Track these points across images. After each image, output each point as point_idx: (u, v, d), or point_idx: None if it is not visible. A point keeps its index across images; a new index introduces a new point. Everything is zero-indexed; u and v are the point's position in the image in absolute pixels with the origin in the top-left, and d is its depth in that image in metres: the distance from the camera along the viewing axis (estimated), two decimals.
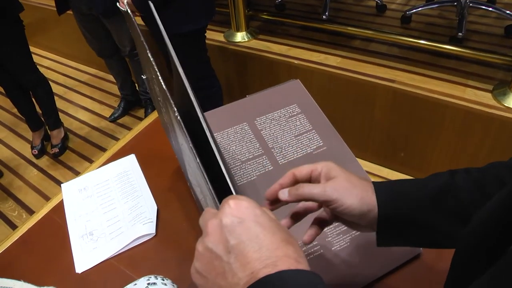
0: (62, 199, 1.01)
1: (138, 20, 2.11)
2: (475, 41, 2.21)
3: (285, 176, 0.56)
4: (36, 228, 0.95)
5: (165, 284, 0.59)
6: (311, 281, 0.37)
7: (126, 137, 1.19)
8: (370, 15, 2.68)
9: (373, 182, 0.54)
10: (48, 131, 2.61)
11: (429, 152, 1.97)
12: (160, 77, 0.54)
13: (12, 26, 2.10)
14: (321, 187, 0.52)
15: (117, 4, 0.74)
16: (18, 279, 0.82)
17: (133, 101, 2.82)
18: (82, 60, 3.44)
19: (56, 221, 0.96)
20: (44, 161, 2.55)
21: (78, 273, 0.83)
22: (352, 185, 0.52)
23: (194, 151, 0.47)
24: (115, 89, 2.97)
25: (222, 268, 0.38)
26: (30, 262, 0.87)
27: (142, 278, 0.60)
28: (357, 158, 0.86)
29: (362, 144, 2.13)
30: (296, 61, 2.16)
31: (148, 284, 0.58)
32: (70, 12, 2.32)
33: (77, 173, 2.39)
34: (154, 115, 1.26)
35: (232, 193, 0.45)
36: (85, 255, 0.86)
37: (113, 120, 2.77)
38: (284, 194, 0.54)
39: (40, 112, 2.54)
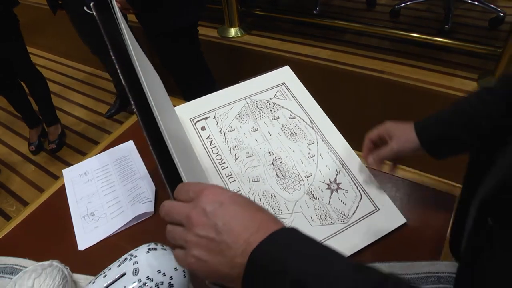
0: (64, 184, 1.05)
1: (131, 17, 2.14)
2: (461, 33, 2.27)
3: (365, 143, 0.86)
4: (38, 211, 1.00)
5: (165, 249, 0.63)
6: (294, 234, 0.43)
7: (124, 125, 1.23)
8: (360, 10, 2.73)
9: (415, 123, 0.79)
10: (45, 127, 2.64)
11: None
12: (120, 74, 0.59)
13: (7, 20, 2.14)
14: (389, 149, 0.80)
15: (85, 8, 0.77)
16: (24, 257, 0.87)
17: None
18: (77, 59, 3.47)
19: (58, 204, 1.00)
20: (41, 157, 2.58)
21: (80, 250, 0.87)
22: (404, 133, 0.79)
23: (148, 140, 0.52)
24: (110, 86, 3.01)
25: (218, 248, 0.43)
26: (34, 243, 0.91)
27: (143, 245, 0.64)
28: None
29: (354, 133, 2.17)
30: (288, 55, 2.21)
31: (149, 249, 0.62)
32: (62, 10, 2.35)
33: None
34: None
35: (182, 180, 0.50)
36: (87, 234, 0.90)
37: (109, 116, 2.81)
38: (370, 161, 0.83)
39: (37, 109, 2.57)
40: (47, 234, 0.93)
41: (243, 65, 2.48)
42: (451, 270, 0.71)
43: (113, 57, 0.59)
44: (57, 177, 2.39)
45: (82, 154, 2.53)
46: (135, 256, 0.61)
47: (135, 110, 0.55)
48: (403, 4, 2.60)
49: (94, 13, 0.68)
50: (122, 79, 0.56)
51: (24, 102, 2.49)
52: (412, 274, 0.71)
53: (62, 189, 1.04)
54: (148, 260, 0.60)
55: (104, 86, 3.15)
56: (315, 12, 2.63)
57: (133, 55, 0.61)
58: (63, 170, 1.09)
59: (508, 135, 0.47)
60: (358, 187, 0.85)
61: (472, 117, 0.72)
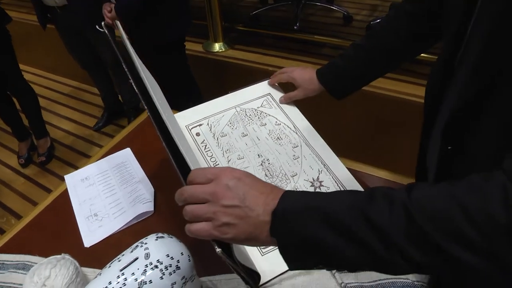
0: (66, 188, 1.13)
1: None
2: (435, 47, 2.42)
3: (272, 80, 1.14)
4: (44, 213, 1.07)
5: (171, 237, 0.72)
6: (302, 193, 0.56)
7: (121, 133, 1.32)
8: (337, 25, 2.88)
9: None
10: (35, 140, 2.69)
11: (396, 147, 2.15)
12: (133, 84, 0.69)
13: (0, 36, 2.21)
14: (295, 94, 1.09)
15: (97, 27, 0.87)
16: (34, 254, 0.94)
17: (116, 110, 2.93)
18: (64, 73, 3.53)
19: (62, 206, 1.08)
20: (30, 170, 2.63)
21: (86, 247, 0.95)
22: (310, 84, 1.06)
23: (162, 141, 0.62)
24: (97, 100, 3.08)
25: (243, 212, 0.54)
26: (41, 241, 0.99)
27: (151, 234, 0.73)
28: None
29: (334, 138, 2.29)
30: (270, 68, 2.33)
31: (157, 237, 0.71)
32: (50, 26, 2.42)
33: (64, 180, 2.48)
34: (144, 115, 1.39)
35: (190, 169, 0.61)
36: (92, 232, 0.99)
37: (97, 129, 2.88)
38: (281, 100, 1.11)
39: (26, 123, 2.62)
40: (54, 233, 1.01)
41: (227, 78, 2.59)
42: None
43: (126, 69, 0.69)
44: (47, 188, 2.44)
45: (72, 166, 2.59)
46: (146, 243, 0.70)
47: (148, 113, 0.64)
48: (378, 20, 2.76)
49: (106, 31, 0.78)
50: (135, 88, 0.66)
51: (14, 115, 2.54)
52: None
53: (65, 193, 1.11)
54: (157, 246, 0.69)
55: (90, 100, 3.22)
56: (295, 27, 2.76)
57: (139, 68, 0.71)
58: (65, 176, 1.17)
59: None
60: (339, 184, 0.96)
61: (372, 49, 0.97)
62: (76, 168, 2.51)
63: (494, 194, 0.45)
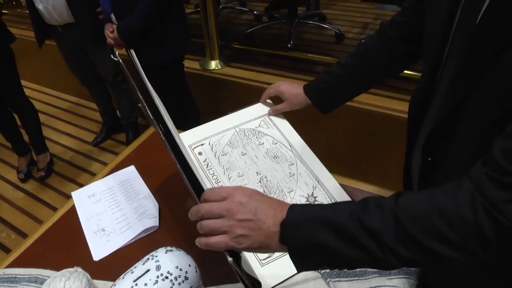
0: (74, 205, 1.19)
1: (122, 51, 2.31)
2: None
3: (263, 96, 1.23)
4: (53, 228, 1.13)
5: (179, 250, 0.79)
6: (306, 206, 0.67)
7: (124, 152, 1.38)
8: (330, 43, 2.98)
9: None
10: (34, 156, 2.74)
11: (386, 161, 2.23)
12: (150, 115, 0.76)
13: (4, 55, 2.28)
14: (281, 107, 1.18)
15: (112, 56, 0.94)
16: (45, 268, 1.00)
17: (115, 126, 2.99)
18: (62, 89, 3.59)
19: (70, 222, 1.14)
20: (30, 185, 2.67)
21: (95, 261, 1.01)
22: (296, 98, 1.14)
23: (178, 165, 0.69)
24: (96, 115, 3.14)
25: (256, 224, 0.63)
26: (52, 256, 1.04)
27: (161, 248, 0.80)
28: None
29: (324, 160, 2.38)
30: (265, 86, 2.40)
31: (167, 250, 0.78)
32: (49, 42, 2.49)
33: (64, 194, 2.54)
34: (146, 134, 1.46)
35: (203, 188, 0.69)
36: (100, 246, 1.05)
37: (96, 144, 2.93)
38: (269, 112, 1.20)
39: (25, 137, 2.67)
40: (63, 247, 1.06)
41: (224, 95, 2.67)
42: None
43: (141, 98, 0.75)
44: (47, 203, 2.49)
45: (71, 181, 2.64)
46: (156, 256, 0.76)
47: (163, 139, 0.71)
48: None
49: (120, 60, 0.85)
50: (150, 115, 0.73)
51: (15, 131, 2.60)
52: None
53: (73, 209, 1.17)
54: (167, 258, 0.75)
55: (89, 115, 3.28)
56: (288, 45, 2.86)
57: (154, 95, 0.78)
58: (72, 193, 1.23)
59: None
60: (332, 199, 1.03)
61: (356, 68, 1.05)
62: (76, 183, 2.58)
63: (464, 198, 0.56)
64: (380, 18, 3.30)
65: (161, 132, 0.73)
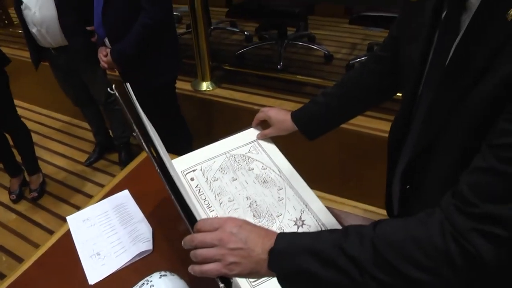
0: (69, 229, 1.22)
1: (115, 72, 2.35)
2: None
3: (254, 121, 1.26)
4: (48, 253, 1.16)
5: (173, 275, 0.83)
6: (292, 234, 0.70)
7: (118, 176, 1.42)
8: (319, 64, 3.06)
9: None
10: (27, 176, 2.75)
11: (373, 181, 2.29)
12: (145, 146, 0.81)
13: None
14: (269, 132, 1.21)
15: (108, 89, 0.99)
16: None
17: (108, 146, 3.02)
18: (54, 108, 3.61)
19: (66, 246, 1.17)
20: (22, 206, 2.67)
21: (91, 285, 1.05)
22: (283, 123, 1.17)
23: (173, 196, 0.74)
24: (89, 135, 3.17)
25: (246, 252, 0.68)
26: (48, 280, 1.07)
27: (155, 273, 0.84)
28: (312, 189, 1.15)
29: (314, 177, 2.43)
30: (256, 107, 2.46)
31: (161, 275, 0.82)
32: (42, 62, 2.53)
33: (57, 215, 2.55)
34: (140, 158, 1.50)
35: (196, 220, 0.74)
36: (95, 270, 1.08)
37: (89, 164, 2.95)
38: (258, 137, 1.25)
39: (18, 158, 2.69)
40: (59, 272, 1.10)
41: (215, 116, 2.72)
42: None
43: (137, 131, 0.80)
44: (39, 224, 2.50)
45: (64, 201, 2.65)
46: (151, 281, 0.80)
47: (158, 171, 0.76)
48: (358, 59, 2.94)
49: (116, 94, 0.89)
50: (146, 148, 0.77)
51: (7, 152, 2.61)
52: None
53: (68, 233, 1.21)
54: (162, 283, 0.80)
55: (81, 135, 3.30)
56: (278, 67, 2.93)
57: (148, 128, 0.83)
58: (67, 218, 1.26)
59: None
60: (319, 223, 1.08)
61: (341, 97, 1.10)
62: (69, 203, 2.59)
63: (435, 227, 0.61)
64: (368, 39, 3.39)
65: (156, 164, 0.78)
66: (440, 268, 0.60)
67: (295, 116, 1.17)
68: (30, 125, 2.85)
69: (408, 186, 0.87)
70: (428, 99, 0.76)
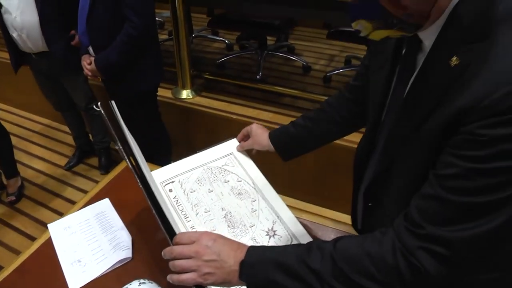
0: (50, 236, 1.26)
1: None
2: None
3: (239, 135, 1.32)
4: (30, 260, 1.20)
5: (151, 283, 0.89)
6: (261, 248, 0.79)
7: (99, 184, 1.47)
8: (297, 75, 3.15)
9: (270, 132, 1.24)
10: (4, 180, 2.76)
11: (346, 189, 2.38)
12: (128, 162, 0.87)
13: None
14: (246, 144, 1.28)
15: (94, 106, 1.04)
16: None
17: (88, 150, 3.05)
18: (35, 111, 3.61)
19: (47, 253, 1.21)
20: None
21: None
22: (260, 137, 1.24)
23: (154, 211, 0.81)
24: (69, 139, 3.18)
25: (219, 264, 0.76)
26: (30, 286, 1.12)
27: (134, 280, 0.90)
28: (287, 197, 1.23)
29: (292, 185, 2.52)
30: (234, 116, 2.54)
31: (140, 283, 0.88)
32: (24, 66, 2.55)
33: (36, 220, 2.56)
34: (120, 167, 1.55)
35: (175, 233, 0.81)
36: (76, 277, 1.13)
37: (68, 168, 2.97)
38: (238, 148, 1.32)
39: None
40: (40, 279, 1.14)
41: (194, 124, 2.78)
42: None
43: (120, 146, 0.86)
44: (17, 229, 2.51)
45: (43, 205, 2.66)
46: None
47: (141, 187, 0.82)
48: (335, 72, 3.04)
49: (102, 111, 0.95)
50: (129, 164, 0.84)
51: None
52: None
53: (49, 240, 1.25)
54: None
55: (61, 139, 3.31)
56: (257, 77, 3.01)
57: (132, 145, 0.89)
58: (48, 225, 1.30)
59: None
60: (289, 233, 1.15)
61: (319, 121, 1.18)
62: (48, 208, 2.61)
63: (387, 245, 0.70)
64: (345, 51, 3.50)
65: (138, 180, 0.84)
66: (391, 280, 0.69)
67: (272, 134, 1.24)
68: (8, 127, 2.85)
69: (370, 204, 0.95)
70: (390, 126, 0.85)
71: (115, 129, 0.95)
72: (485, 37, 0.62)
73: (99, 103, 0.97)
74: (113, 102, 0.99)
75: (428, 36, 0.72)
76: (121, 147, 0.89)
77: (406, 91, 0.80)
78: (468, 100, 0.62)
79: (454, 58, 0.65)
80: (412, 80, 0.78)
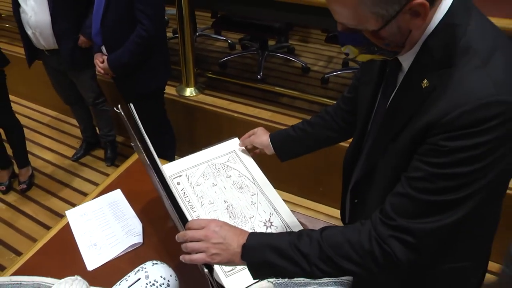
0: (68, 222, 1.40)
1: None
2: None
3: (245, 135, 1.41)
4: (51, 243, 1.34)
5: (163, 264, 1.03)
6: (260, 234, 0.93)
7: (111, 176, 1.61)
8: (296, 75, 3.28)
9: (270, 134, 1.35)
10: (16, 168, 2.89)
11: (338, 187, 2.52)
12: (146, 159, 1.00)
13: None
14: (251, 139, 1.38)
15: (114, 108, 1.14)
16: (47, 276, 1.21)
17: (94, 143, 3.19)
18: (43, 103, 3.73)
19: (65, 238, 1.35)
20: (11, 197, 2.81)
21: (89, 271, 1.23)
22: (262, 136, 1.35)
23: (169, 200, 0.94)
24: (75, 131, 3.32)
25: (225, 246, 0.90)
26: (51, 266, 1.25)
27: (148, 261, 1.03)
28: (284, 192, 1.35)
29: (290, 181, 2.65)
30: (235, 114, 2.67)
31: (153, 263, 1.02)
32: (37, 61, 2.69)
33: (45, 207, 2.70)
34: (131, 159, 1.68)
35: (187, 220, 0.95)
36: (93, 259, 1.27)
37: (75, 159, 3.11)
38: (240, 144, 1.43)
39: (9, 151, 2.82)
40: (61, 259, 1.28)
41: (197, 121, 2.90)
42: None
43: (139, 144, 0.99)
44: (28, 215, 2.65)
45: (52, 194, 2.81)
46: (145, 268, 1.00)
47: (157, 180, 0.96)
48: (333, 73, 3.17)
49: (121, 112, 1.08)
50: (147, 161, 0.97)
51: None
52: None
53: (67, 226, 1.39)
54: (154, 269, 1.00)
55: (68, 131, 3.44)
56: (258, 77, 3.14)
57: (149, 143, 1.02)
58: (66, 212, 1.44)
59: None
60: (284, 224, 1.29)
61: (317, 126, 1.28)
62: (57, 196, 2.76)
63: (365, 233, 0.85)
64: (343, 53, 3.59)
65: (155, 175, 0.97)
66: (367, 263, 0.84)
67: (272, 134, 1.35)
68: (19, 118, 2.99)
69: (356, 201, 1.09)
70: (374, 135, 0.98)
71: (134, 128, 1.08)
72: (450, 65, 0.76)
73: (119, 106, 1.10)
74: (131, 104, 1.12)
75: (406, 60, 0.86)
76: (139, 145, 1.02)
77: (388, 104, 0.93)
78: (434, 116, 0.75)
79: (425, 81, 0.79)
80: (392, 95, 0.91)
